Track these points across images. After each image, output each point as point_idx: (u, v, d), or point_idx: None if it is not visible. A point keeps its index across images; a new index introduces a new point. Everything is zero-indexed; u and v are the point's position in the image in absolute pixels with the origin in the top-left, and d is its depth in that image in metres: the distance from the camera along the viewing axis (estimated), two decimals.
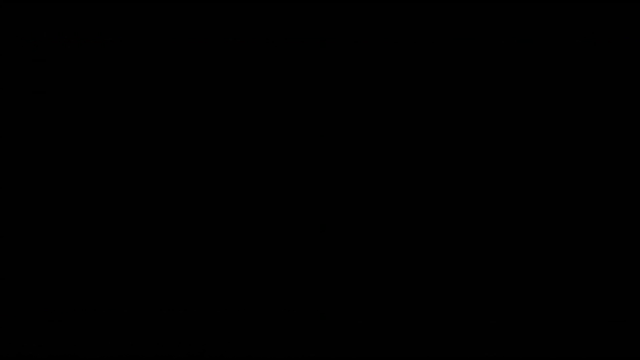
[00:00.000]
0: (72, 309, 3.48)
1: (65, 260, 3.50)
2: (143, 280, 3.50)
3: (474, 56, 3.54)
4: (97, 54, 3.52)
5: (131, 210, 3.51)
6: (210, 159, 3.54)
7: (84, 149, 3.51)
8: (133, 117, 3.51)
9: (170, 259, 3.52)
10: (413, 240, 3.52)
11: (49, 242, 3.50)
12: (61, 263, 3.50)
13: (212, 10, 3.54)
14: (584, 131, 3.52)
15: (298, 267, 3.52)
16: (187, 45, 3.53)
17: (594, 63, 3.52)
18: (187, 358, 3.46)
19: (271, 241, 3.54)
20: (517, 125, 3.53)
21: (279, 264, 3.53)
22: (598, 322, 3.45)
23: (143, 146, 3.51)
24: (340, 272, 3.53)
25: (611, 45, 3.51)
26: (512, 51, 3.54)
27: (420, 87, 3.53)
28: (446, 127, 3.54)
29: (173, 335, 3.47)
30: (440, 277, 3.50)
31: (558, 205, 3.51)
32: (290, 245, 3.53)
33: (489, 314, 3.48)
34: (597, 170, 3.51)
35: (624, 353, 3.43)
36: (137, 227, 3.51)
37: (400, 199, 3.55)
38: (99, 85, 3.52)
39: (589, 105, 3.52)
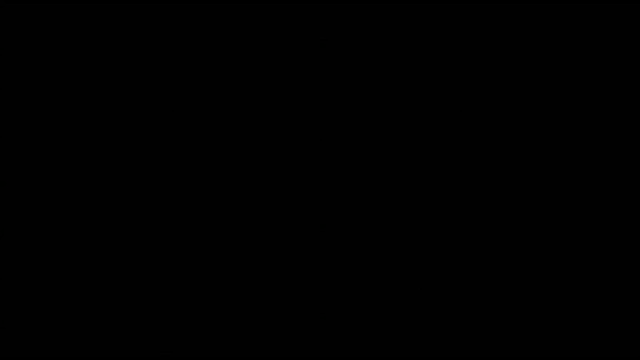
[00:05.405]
0: (72, 310, 3.48)
1: (65, 261, 3.49)
2: (142, 281, 3.50)
3: (474, 55, 3.54)
4: (95, 54, 3.52)
5: (131, 211, 3.51)
6: (210, 159, 3.54)
7: (84, 149, 3.51)
8: (132, 117, 3.51)
9: (170, 259, 3.52)
10: (413, 240, 3.52)
11: (48, 243, 3.49)
12: (60, 263, 3.49)
13: (212, 10, 3.54)
14: (583, 131, 3.53)
15: (298, 266, 3.53)
16: (186, 45, 3.53)
17: (593, 61, 3.53)
18: (187, 358, 3.46)
19: (271, 241, 3.54)
20: (517, 124, 3.53)
21: (279, 263, 3.53)
22: (596, 323, 3.45)
23: (143, 146, 3.51)
24: (340, 271, 3.53)
25: (610, 44, 3.51)
26: (512, 50, 3.54)
27: (420, 86, 3.54)
28: (445, 127, 3.54)
29: (173, 336, 3.47)
30: (441, 277, 3.51)
31: (557, 206, 3.51)
32: (290, 244, 3.53)
33: (489, 314, 3.48)
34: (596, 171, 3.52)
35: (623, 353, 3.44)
36: (137, 228, 3.51)
37: (400, 199, 3.55)
38: (97, 85, 3.52)
39: (588, 105, 3.53)
